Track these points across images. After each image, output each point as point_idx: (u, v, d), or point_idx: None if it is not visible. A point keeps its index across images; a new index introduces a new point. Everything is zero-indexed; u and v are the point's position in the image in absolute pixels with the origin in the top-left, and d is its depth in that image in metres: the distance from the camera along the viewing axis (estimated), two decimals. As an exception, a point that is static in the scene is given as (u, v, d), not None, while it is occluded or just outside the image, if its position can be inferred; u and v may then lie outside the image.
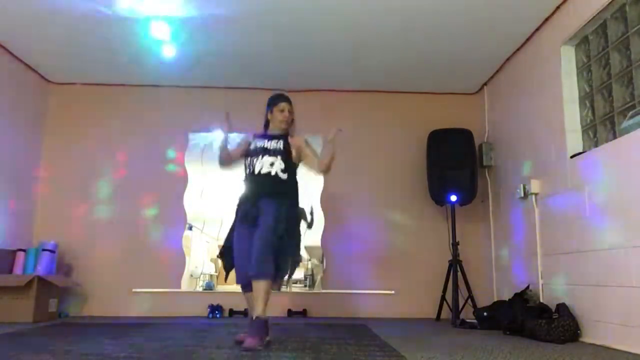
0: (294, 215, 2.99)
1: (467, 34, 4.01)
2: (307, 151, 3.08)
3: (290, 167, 3.03)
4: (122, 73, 4.85)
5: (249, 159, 3.06)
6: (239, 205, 3.05)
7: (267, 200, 2.90)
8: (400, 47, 4.25)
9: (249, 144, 3.13)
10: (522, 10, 3.64)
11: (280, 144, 3.04)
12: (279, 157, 3.00)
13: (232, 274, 3.08)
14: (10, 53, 4.42)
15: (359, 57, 4.45)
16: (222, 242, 3.18)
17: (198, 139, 5.36)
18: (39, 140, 4.96)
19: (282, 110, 3.12)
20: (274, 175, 2.96)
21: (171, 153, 5.04)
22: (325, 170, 3.02)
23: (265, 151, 3.01)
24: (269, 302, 2.81)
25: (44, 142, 5.00)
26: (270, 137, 3.08)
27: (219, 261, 3.10)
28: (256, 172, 2.98)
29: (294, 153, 3.05)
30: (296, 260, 2.99)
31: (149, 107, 5.10)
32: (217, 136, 5.53)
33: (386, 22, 3.84)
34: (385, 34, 4.04)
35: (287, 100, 3.16)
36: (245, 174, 3.07)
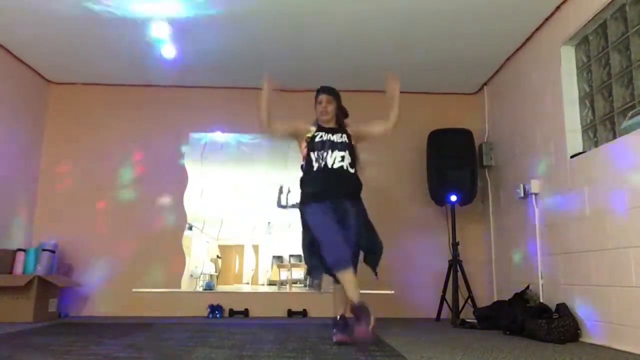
0: (366, 211, 3.10)
1: (467, 34, 4.01)
2: (364, 128, 3.18)
3: (355, 162, 3.10)
4: (122, 73, 4.85)
5: (317, 152, 3.02)
6: (313, 198, 2.96)
7: (354, 199, 3.02)
8: (400, 47, 4.25)
9: (307, 131, 3.10)
10: (522, 10, 3.64)
11: (344, 138, 3.08)
12: (347, 152, 3.04)
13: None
14: (10, 53, 4.42)
15: (359, 57, 4.45)
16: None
17: (198, 139, 5.37)
18: (39, 140, 4.96)
19: (320, 102, 3.14)
20: (345, 170, 3.01)
21: (171, 153, 5.04)
22: (394, 124, 3.14)
23: (333, 145, 3.03)
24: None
25: (44, 142, 5.00)
26: (333, 131, 3.10)
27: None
28: (329, 165, 2.98)
29: (354, 144, 3.12)
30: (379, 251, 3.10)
31: (149, 107, 5.10)
32: (217, 136, 5.56)
33: (386, 22, 3.84)
34: (386, 35, 4.04)
35: (326, 91, 3.16)
36: (314, 167, 3.00)
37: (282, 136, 3.26)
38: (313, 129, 3.12)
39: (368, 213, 3.12)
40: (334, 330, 2.95)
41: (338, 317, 3.03)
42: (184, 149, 5.07)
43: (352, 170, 3.04)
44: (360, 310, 2.68)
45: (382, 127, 3.15)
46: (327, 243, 2.81)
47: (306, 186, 3.06)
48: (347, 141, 3.07)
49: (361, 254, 3.07)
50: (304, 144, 3.11)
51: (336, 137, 3.06)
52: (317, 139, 3.05)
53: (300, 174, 3.13)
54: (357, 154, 3.15)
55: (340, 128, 3.14)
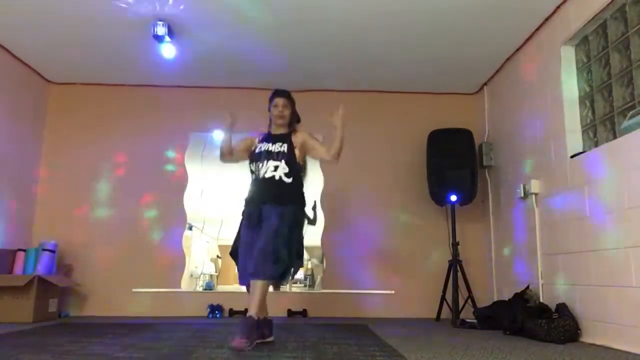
0: (298, 219, 2.99)
1: (467, 34, 4.01)
2: (312, 143, 3.10)
3: (295, 170, 3.02)
4: (122, 73, 4.86)
5: (254, 163, 3.06)
6: (244, 208, 3.07)
7: (272, 205, 2.91)
8: (400, 47, 4.25)
9: (254, 145, 3.13)
10: (522, 10, 3.64)
11: (284, 147, 3.04)
12: (282, 161, 3.00)
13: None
14: (10, 53, 4.42)
15: (359, 57, 4.45)
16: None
17: (198, 139, 5.37)
18: (39, 140, 4.96)
19: (276, 106, 3.12)
20: (278, 180, 2.97)
21: (171, 153, 5.04)
22: (336, 156, 3.01)
23: (269, 155, 3.02)
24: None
25: (44, 142, 5.00)
26: (274, 140, 3.08)
27: (233, 262, 3.11)
28: (261, 176, 2.99)
29: (297, 152, 3.05)
30: (298, 265, 2.98)
31: (149, 107, 5.11)
32: (217, 136, 5.55)
33: (386, 22, 3.84)
34: (386, 35, 4.03)
35: (281, 95, 3.15)
36: (252, 178, 3.08)
37: (242, 157, 3.20)
38: (256, 141, 3.14)
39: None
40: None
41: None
42: (183, 149, 5.07)
43: (286, 180, 2.97)
44: (245, 325, 2.66)
45: (325, 154, 3.05)
46: (243, 253, 2.95)
47: (246, 196, 3.10)
48: (285, 150, 3.02)
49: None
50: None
51: (275, 147, 3.04)
52: (256, 151, 3.09)
53: None
54: (300, 162, 3.07)
55: (283, 135, 3.09)
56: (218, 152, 3.18)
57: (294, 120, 3.19)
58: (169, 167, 5.01)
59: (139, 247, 4.82)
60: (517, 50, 4.23)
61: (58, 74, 4.93)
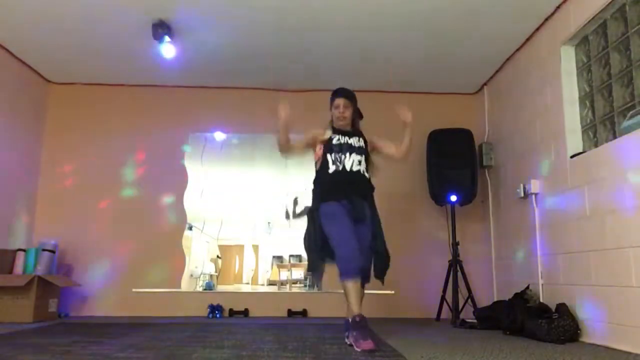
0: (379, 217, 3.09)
1: (467, 34, 4.01)
2: (380, 142, 3.19)
3: (369, 168, 3.12)
4: (122, 73, 4.86)
5: (334, 154, 3.01)
6: (329, 199, 2.94)
7: (366, 204, 3.00)
8: (400, 47, 4.25)
9: (323, 136, 3.08)
10: (522, 10, 3.64)
11: (362, 142, 3.09)
12: (363, 157, 3.06)
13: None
14: (10, 53, 4.42)
15: (359, 57, 4.45)
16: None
17: (198, 139, 5.37)
18: (39, 141, 4.96)
19: (337, 107, 3.12)
20: (362, 174, 3.03)
21: (171, 153, 5.04)
22: (406, 153, 3.13)
23: (351, 148, 3.03)
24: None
25: (44, 142, 5.00)
26: (350, 134, 3.09)
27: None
28: (348, 168, 2.98)
29: (369, 151, 3.13)
30: (388, 261, 3.09)
31: (149, 107, 5.11)
32: (217, 136, 5.56)
33: (386, 22, 3.84)
34: (385, 35, 4.04)
35: (342, 95, 3.13)
36: (332, 169, 2.99)
37: (299, 153, 3.21)
38: (329, 132, 3.10)
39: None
40: (347, 332, 2.86)
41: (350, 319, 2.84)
42: (184, 149, 5.07)
43: (367, 175, 3.08)
44: (359, 325, 2.66)
45: (394, 151, 3.17)
46: (343, 248, 2.79)
47: (323, 187, 3.03)
48: (363, 146, 3.09)
49: None
50: (320, 146, 3.09)
51: (354, 141, 3.07)
52: (334, 141, 3.05)
53: (313, 174, 3.14)
54: (371, 160, 3.18)
55: (356, 131, 3.14)
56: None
57: (357, 117, 3.20)
58: (169, 168, 5.01)
59: (139, 247, 4.82)
60: (517, 50, 4.23)
61: (58, 74, 4.93)
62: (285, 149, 3.08)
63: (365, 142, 3.13)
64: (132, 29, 3.96)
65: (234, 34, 4.07)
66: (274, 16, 3.78)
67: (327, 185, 3.01)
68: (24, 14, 3.77)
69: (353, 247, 2.78)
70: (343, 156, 3.00)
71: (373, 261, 3.03)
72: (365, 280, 2.96)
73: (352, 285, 2.77)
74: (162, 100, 5.11)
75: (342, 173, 2.98)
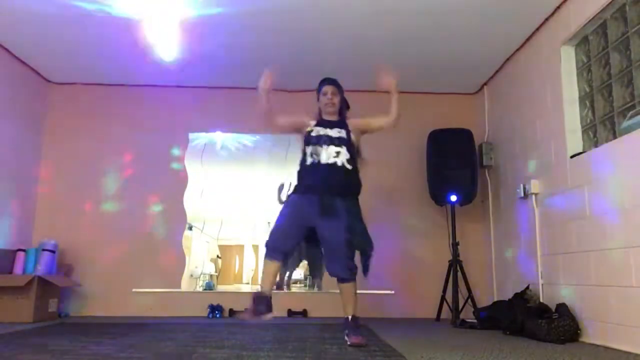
0: (360, 210, 3.00)
1: (467, 34, 4.01)
2: (364, 121, 3.13)
3: (354, 157, 3.03)
4: (122, 73, 4.85)
5: (312, 146, 2.99)
6: (303, 191, 2.96)
7: (339, 197, 2.89)
8: (400, 47, 4.25)
9: (306, 126, 3.06)
10: (522, 10, 3.64)
11: (343, 133, 3.02)
12: (344, 147, 2.98)
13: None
14: (10, 53, 4.42)
15: (359, 57, 4.45)
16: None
17: (198, 139, 5.37)
18: (39, 140, 4.95)
19: (325, 94, 3.10)
20: (340, 166, 2.94)
21: (171, 153, 5.04)
22: (396, 119, 3.08)
23: (330, 140, 2.98)
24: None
25: (44, 142, 5.00)
26: (332, 125, 3.05)
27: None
28: (323, 162, 2.93)
29: (354, 138, 3.05)
30: (371, 252, 3.00)
31: (149, 107, 5.10)
32: (217, 136, 5.56)
33: (386, 22, 3.84)
34: (385, 35, 4.04)
35: (329, 82, 3.13)
36: (307, 162, 2.99)
37: (283, 129, 3.20)
38: (312, 122, 3.09)
39: (367, 213, 3.09)
40: (346, 331, 2.89)
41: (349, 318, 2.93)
42: (184, 149, 5.07)
43: (348, 167, 2.96)
44: (358, 325, 2.83)
45: (382, 121, 3.12)
46: (276, 229, 2.91)
47: (299, 179, 3.03)
48: (344, 136, 3.01)
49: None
50: (302, 137, 3.08)
51: (334, 132, 3.01)
52: (313, 133, 3.02)
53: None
54: (359, 149, 3.11)
55: (339, 122, 3.09)
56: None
57: (344, 107, 3.18)
58: (169, 167, 5.01)
59: (139, 247, 4.81)
60: (517, 50, 4.23)
61: (58, 74, 4.93)
62: (267, 118, 3.07)
63: (348, 132, 3.04)
64: (132, 29, 3.95)
65: (234, 34, 4.06)
66: (274, 16, 3.78)
67: (302, 179, 3.01)
68: (23, 14, 3.76)
69: (285, 231, 2.90)
70: (320, 148, 2.96)
71: (360, 258, 2.99)
72: (346, 279, 2.89)
73: (267, 265, 2.92)
74: (162, 100, 5.11)
75: (317, 166, 2.94)
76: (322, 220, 2.87)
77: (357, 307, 2.91)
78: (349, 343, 2.77)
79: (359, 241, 2.91)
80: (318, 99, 3.15)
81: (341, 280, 2.89)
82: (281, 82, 4.87)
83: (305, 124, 3.10)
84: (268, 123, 3.11)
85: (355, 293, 2.91)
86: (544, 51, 3.80)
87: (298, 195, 2.98)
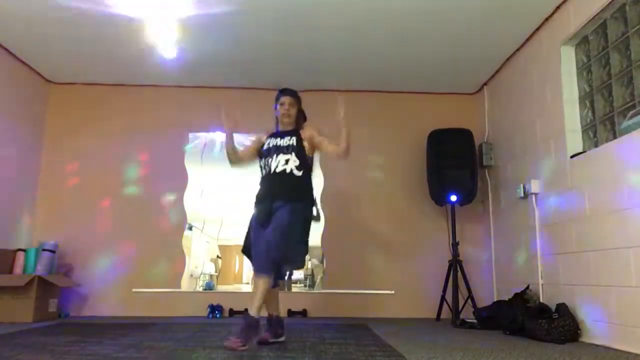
0: (306, 216, 2.94)
1: (467, 34, 4.01)
2: (320, 139, 3.07)
3: (305, 164, 3.00)
4: (122, 73, 4.86)
5: (263, 159, 3.03)
6: (255, 205, 3.02)
7: (283, 201, 2.86)
8: (400, 47, 4.25)
9: (262, 144, 3.11)
10: (522, 10, 3.64)
11: (292, 140, 3.01)
12: (292, 154, 2.97)
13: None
14: (10, 53, 4.42)
15: (359, 57, 4.45)
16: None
17: (198, 139, 5.37)
18: (39, 140, 4.96)
19: (282, 104, 3.10)
20: (289, 173, 2.94)
21: (171, 153, 5.04)
22: (345, 151, 2.95)
23: (278, 149, 2.99)
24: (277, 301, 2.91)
25: (44, 142, 5.00)
26: (283, 135, 3.06)
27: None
28: (272, 171, 2.96)
29: (307, 146, 3.03)
30: (301, 263, 2.93)
31: (149, 107, 5.11)
32: (217, 136, 5.56)
33: (386, 22, 3.84)
34: (385, 34, 4.04)
35: (287, 93, 3.13)
36: (262, 174, 3.04)
37: (250, 158, 3.19)
38: (264, 138, 3.13)
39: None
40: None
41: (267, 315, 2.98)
42: (184, 148, 5.07)
43: (297, 173, 2.94)
44: (243, 325, 2.65)
45: (334, 150, 3.01)
46: (254, 251, 2.89)
47: (257, 193, 3.07)
48: (294, 144, 3.00)
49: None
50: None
51: (284, 141, 3.02)
52: (264, 147, 3.07)
53: None
54: (310, 153, 3.06)
55: (291, 130, 3.08)
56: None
57: (301, 118, 3.17)
58: (169, 167, 5.01)
59: (139, 247, 4.82)
60: (517, 50, 4.23)
61: (58, 74, 4.93)
62: (233, 158, 3.12)
63: (299, 139, 3.02)
64: (132, 29, 3.95)
65: (234, 34, 4.07)
66: (274, 16, 3.78)
67: (258, 192, 3.04)
68: (23, 14, 3.76)
69: (260, 248, 2.81)
70: (270, 159, 2.99)
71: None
72: (277, 278, 2.83)
73: (258, 281, 2.77)
74: (162, 100, 5.11)
75: (267, 177, 3.00)
76: (268, 224, 2.85)
77: (260, 306, 2.73)
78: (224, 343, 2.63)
79: (285, 246, 2.77)
80: (275, 107, 3.14)
81: (255, 271, 2.81)
82: (281, 82, 4.90)
83: (260, 142, 3.13)
84: (235, 162, 3.15)
85: (263, 291, 2.72)
86: (544, 51, 3.80)
87: (254, 211, 3.00)
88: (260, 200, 2.98)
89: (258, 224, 2.91)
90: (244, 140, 5.66)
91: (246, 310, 2.72)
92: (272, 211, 2.86)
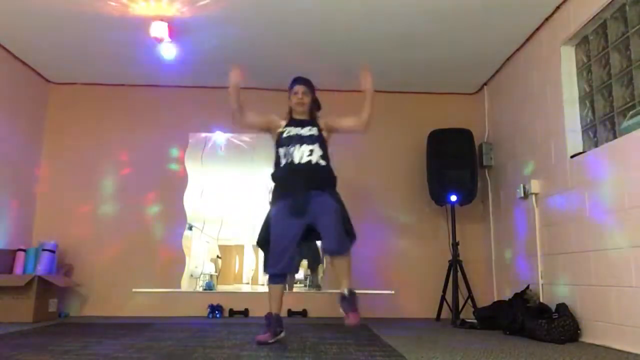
0: (341, 200, 2.99)
1: (467, 34, 4.01)
2: (337, 119, 3.11)
3: (327, 154, 3.02)
4: (122, 73, 4.85)
5: (284, 148, 2.99)
6: (280, 195, 2.97)
7: (319, 190, 2.88)
8: (400, 47, 4.25)
9: (278, 127, 3.06)
10: (522, 10, 3.64)
11: (314, 130, 3.01)
12: (316, 144, 2.97)
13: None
14: (10, 53, 4.42)
15: (359, 57, 4.44)
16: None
17: (198, 139, 5.37)
18: (39, 140, 4.96)
19: (296, 93, 3.10)
20: (315, 164, 2.94)
21: (171, 153, 5.04)
22: (367, 120, 3.01)
23: (301, 139, 2.97)
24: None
25: (44, 142, 5.00)
26: (303, 124, 3.04)
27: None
28: (297, 161, 2.93)
29: (326, 136, 3.05)
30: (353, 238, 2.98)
31: (149, 107, 5.11)
32: (217, 136, 5.56)
33: (386, 22, 3.84)
34: (386, 35, 4.04)
35: (300, 82, 3.12)
36: (281, 163, 2.99)
37: (253, 127, 3.19)
38: (283, 123, 3.08)
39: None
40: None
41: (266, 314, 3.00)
42: (184, 149, 5.07)
43: (322, 163, 2.97)
44: (355, 301, 2.80)
45: (354, 122, 3.07)
46: (274, 252, 2.91)
47: (275, 182, 3.04)
48: (316, 134, 3.01)
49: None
50: (276, 138, 3.08)
51: (305, 131, 3.01)
52: (284, 135, 3.02)
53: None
54: (329, 143, 3.09)
55: (310, 120, 3.08)
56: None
57: (315, 107, 3.17)
58: (169, 167, 5.01)
59: (139, 247, 4.82)
60: (517, 50, 4.23)
61: (58, 74, 4.93)
62: (237, 115, 3.07)
63: (319, 129, 3.04)
64: (132, 29, 3.95)
65: (233, 34, 4.07)
66: (273, 16, 3.78)
67: (278, 181, 3.02)
68: (24, 14, 3.76)
69: (282, 253, 2.89)
70: (292, 148, 2.95)
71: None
72: (341, 252, 2.87)
73: (272, 290, 2.95)
74: (162, 100, 5.11)
75: (290, 167, 2.94)
76: (312, 213, 2.86)
77: (352, 280, 2.87)
78: (346, 323, 2.75)
79: (345, 222, 2.90)
80: (289, 97, 3.14)
81: (336, 253, 2.85)
82: (281, 82, 4.90)
83: (275, 123, 3.10)
84: (238, 120, 3.11)
85: (350, 266, 2.88)
86: (544, 51, 3.80)
87: (279, 202, 2.96)
88: (289, 191, 2.92)
89: (292, 215, 2.86)
90: (241, 139, 5.69)
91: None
92: (308, 201, 2.85)
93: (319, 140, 3.00)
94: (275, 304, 2.96)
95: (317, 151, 2.97)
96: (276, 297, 2.97)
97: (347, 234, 2.88)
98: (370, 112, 3.00)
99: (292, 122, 3.08)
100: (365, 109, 3.01)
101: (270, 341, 2.82)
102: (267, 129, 3.15)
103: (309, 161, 2.93)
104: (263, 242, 3.03)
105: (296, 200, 2.88)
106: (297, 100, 3.08)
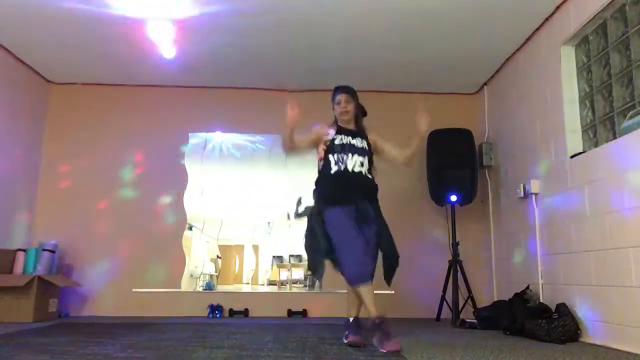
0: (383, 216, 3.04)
1: (467, 34, 4.01)
2: (383, 145, 3.15)
3: (372, 169, 3.09)
4: (122, 73, 4.86)
5: (336, 154, 2.97)
6: (333, 201, 2.90)
7: (367, 200, 2.96)
8: (400, 47, 4.25)
9: (326, 135, 3.04)
10: (522, 10, 3.64)
11: (364, 143, 3.05)
12: (366, 158, 3.02)
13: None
14: (10, 53, 4.42)
15: (359, 57, 4.45)
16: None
17: (198, 139, 5.37)
18: (39, 140, 4.96)
19: (339, 103, 3.10)
20: (364, 176, 2.99)
21: (171, 153, 5.04)
22: (407, 159, 3.11)
23: (354, 149, 3.00)
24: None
25: (44, 142, 5.00)
26: (354, 134, 3.06)
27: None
28: (350, 169, 2.94)
29: (372, 151, 3.09)
30: (396, 262, 3.10)
31: (149, 107, 5.11)
32: (217, 136, 5.56)
33: (386, 22, 3.84)
34: (385, 34, 4.04)
35: (342, 91, 3.12)
36: (334, 170, 2.95)
37: (304, 152, 3.14)
38: (332, 131, 3.07)
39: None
40: (346, 331, 2.92)
41: (351, 319, 3.00)
42: (184, 149, 5.07)
43: (369, 176, 3.04)
44: (380, 326, 2.68)
45: (398, 154, 3.14)
46: (349, 254, 2.81)
47: (325, 188, 3.00)
48: (366, 147, 3.06)
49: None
50: (322, 146, 3.04)
51: (357, 142, 3.04)
52: (337, 142, 3.01)
53: (315, 175, 3.10)
54: (374, 163, 3.15)
55: (359, 132, 3.11)
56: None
57: (360, 114, 3.18)
58: (169, 167, 5.01)
59: (139, 247, 4.82)
60: (517, 50, 4.23)
61: (58, 74, 4.93)
62: (291, 149, 3.02)
63: (368, 144, 3.09)
64: (132, 29, 3.95)
65: (234, 34, 4.07)
66: (274, 16, 3.78)
67: (329, 187, 2.98)
68: (24, 14, 3.76)
69: (360, 253, 2.80)
70: (345, 156, 2.96)
71: (383, 262, 3.04)
72: (367, 281, 2.89)
73: (365, 289, 2.81)
74: (162, 100, 5.11)
75: (344, 174, 2.94)
76: (360, 226, 2.87)
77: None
78: (381, 349, 2.60)
79: (387, 247, 3.00)
80: (333, 108, 3.15)
81: (362, 282, 2.82)
82: (280, 82, 4.91)
83: (322, 134, 3.06)
84: (292, 152, 3.08)
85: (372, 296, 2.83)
86: (544, 51, 3.80)
87: (335, 207, 2.89)
88: (342, 196, 2.89)
89: (353, 221, 2.84)
90: (241, 139, 5.69)
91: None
92: (368, 211, 2.93)
93: (369, 154, 3.06)
94: (357, 306, 3.04)
95: (367, 165, 3.02)
96: (357, 299, 2.97)
97: (374, 259, 2.98)
98: (415, 152, 3.09)
99: (342, 131, 3.07)
100: (411, 147, 3.09)
101: (363, 344, 2.75)
102: (317, 144, 3.11)
103: (360, 172, 2.97)
104: (328, 251, 2.88)
105: (359, 207, 2.89)
106: (341, 110, 3.09)
